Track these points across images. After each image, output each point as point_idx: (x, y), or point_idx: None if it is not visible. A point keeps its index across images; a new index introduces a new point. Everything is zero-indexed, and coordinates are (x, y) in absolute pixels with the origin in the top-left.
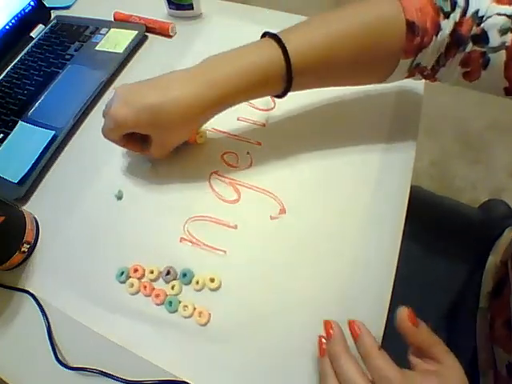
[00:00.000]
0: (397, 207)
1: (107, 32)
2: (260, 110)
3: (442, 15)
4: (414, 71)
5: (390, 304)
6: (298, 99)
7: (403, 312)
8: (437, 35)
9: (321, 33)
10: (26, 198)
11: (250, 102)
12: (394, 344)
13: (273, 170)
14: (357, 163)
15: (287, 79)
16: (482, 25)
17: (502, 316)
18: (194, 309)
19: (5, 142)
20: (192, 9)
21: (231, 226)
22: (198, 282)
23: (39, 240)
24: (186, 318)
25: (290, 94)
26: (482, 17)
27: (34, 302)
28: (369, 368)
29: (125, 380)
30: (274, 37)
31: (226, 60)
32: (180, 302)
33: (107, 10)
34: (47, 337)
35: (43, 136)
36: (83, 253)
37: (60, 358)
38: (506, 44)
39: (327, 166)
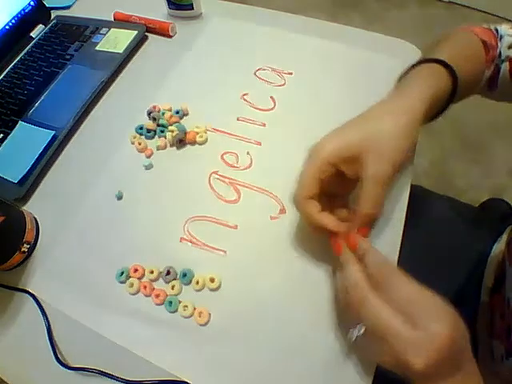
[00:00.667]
0: (397, 207)
1: (107, 32)
2: (260, 109)
3: (497, 37)
4: (486, 83)
5: None
6: (298, 99)
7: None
8: (497, 50)
9: (456, 51)
10: (26, 198)
11: (250, 101)
12: None
13: (273, 170)
14: None
15: (451, 94)
16: (499, 43)
17: (500, 309)
18: (194, 309)
19: (5, 142)
20: (192, 9)
21: (231, 226)
22: (198, 282)
23: (39, 240)
24: (185, 317)
25: (288, 93)
26: (500, 38)
27: (34, 302)
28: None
29: (125, 380)
30: (438, 61)
31: (410, 89)
32: (180, 302)
33: (107, 10)
34: (47, 337)
35: (43, 136)
36: (83, 253)
37: (60, 357)
38: (510, 56)
39: None
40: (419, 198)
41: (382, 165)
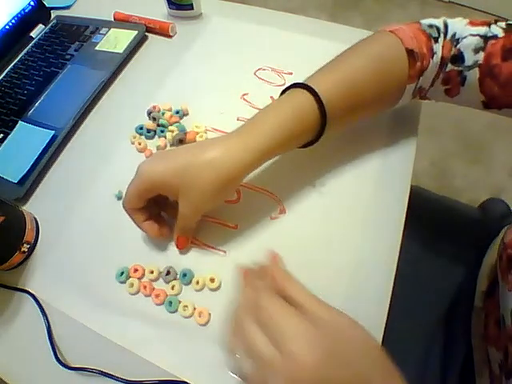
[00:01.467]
0: (397, 207)
1: (107, 32)
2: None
3: (432, 40)
4: (416, 94)
5: (390, 304)
6: None
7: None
8: (432, 58)
9: (344, 73)
10: (26, 197)
11: (250, 101)
12: (394, 344)
13: (273, 170)
14: (357, 163)
15: (321, 124)
16: (458, 46)
17: (494, 315)
18: (194, 309)
19: (5, 142)
20: (192, 9)
21: (231, 226)
22: (198, 282)
23: (39, 240)
24: (186, 317)
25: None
26: (458, 39)
27: (34, 302)
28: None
29: (125, 380)
30: (302, 86)
31: (261, 120)
32: (180, 302)
33: (107, 10)
34: (47, 337)
35: (43, 136)
36: (83, 253)
37: (60, 357)
38: (479, 62)
39: (327, 166)
40: (419, 198)
41: (190, 207)
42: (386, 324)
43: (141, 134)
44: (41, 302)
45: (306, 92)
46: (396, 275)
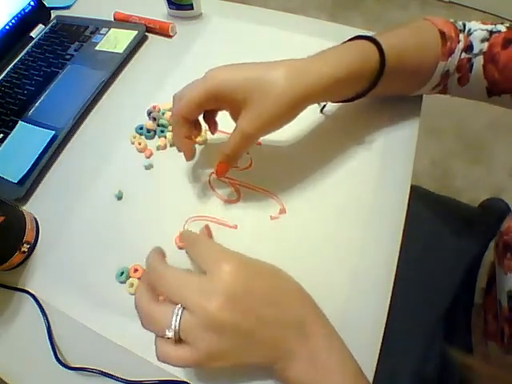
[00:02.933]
0: (397, 207)
1: (107, 32)
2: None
3: (458, 30)
4: (442, 80)
5: (391, 304)
6: None
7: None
8: (458, 43)
9: (397, 41)
10: (26, 197)
11: None
12: (394, 343)
13: (273, 170)
14: (357, 163)
15: (376, 77)
16: (470, 37)
17: (492, 310)
18: None
19: (5, 142)
20: (192, 9)
21: (231, 226)
22: None
23: (39, 240)
24: None
25: None
26: (472, 32)
27: (34, 302)
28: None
29: (125, 380)
30: (368, 38)
31: (328, 55)
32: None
33: (107, 10)
34: (47, 337)
35: (43, 136)
36: (83, 253)
37: (60, 357)
38: (483, 50)
39: (327, 166)
40: (419, 198)
41: (254, 122)
42: (386, 323)
43: (141, 134)
44: (41, 302)
45: (371, 44)
46: (396, 275)
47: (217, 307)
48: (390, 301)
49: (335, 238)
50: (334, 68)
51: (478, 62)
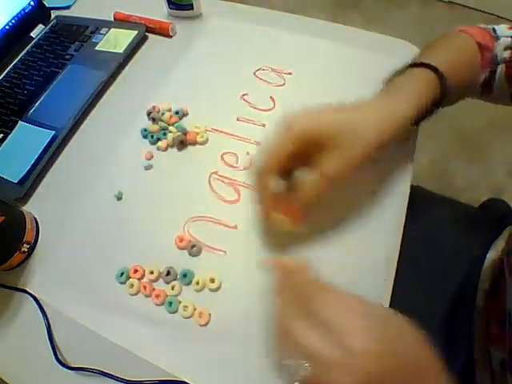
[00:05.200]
0: (397, 207)
1: (107, 32)
2: (260, 110)
3: (494, 39)
4: (483, 88)
5: (391, 304)
6: (298, 99)
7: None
8: (493, 52)
9: (451, 63)
10: (25, 197)
11: (250, 102)
12: None
13: None
14: None
15: (440, 99)
16: (495, 44)
17: (497, 315)
18: (194, 309)
19: (5, 142)
20: (192, 9)
21: (231, 227)
22: (198, 283)
23: (39, 240)
24: (186, 318)
25: (288, 93)
26: (498, 38)
27: (33, 302)
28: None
29: (125, 380)
30: (425, 65)
31: (406, 93)
32: (180, 303)
33: (107, 10)
34: (47, 337)
35: (43, 136)
36: (83, 253)
37: (60, 357)
38: (505, 58)
39: None
40: (419, 198)
41: (342, 162)
42: None
43: (145, 137)
44: (41, 302)
45: (432, 74)
46: (396, 275)
47: None
48: (390, 301)
49: (335, 238)
50: (416, 109)
51: (501, 69)
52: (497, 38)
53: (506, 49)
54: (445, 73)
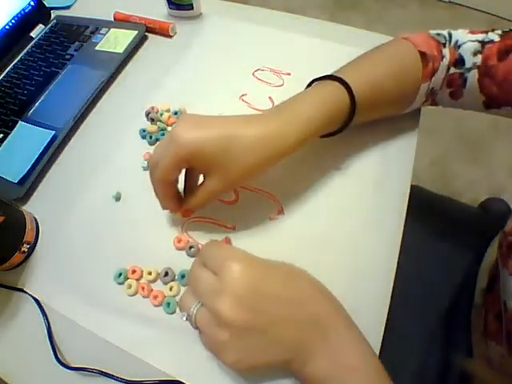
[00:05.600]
0: (397, 207)
1: (107, 32)
2: (258, 110)
3: (441, 45)
4: (428, 96)
5: (390, 304)
6: None
7: None
8: (442, 60)
9: (367, 73)
10: (25, 197)
11: (249, 102)
12: (394, 343)
13: (271, 171)
14: (357, 163)
15: (348, 115)
16: (459, 50)
17: (494, 310)
18: None
19: (5, 142)
20: (192, 9)
21: (229, 227)
22: None
23: (39, 240)
24: None
25: (287, 94)
26: (460, 44)
27: (33, 302)
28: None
29: (125, 380)
30: (333, 78)
31: (297, 102)
32: (178, 304)
33: (107, 10)
34: (47, 337)
35: (43, 136)
36: (82, 253)
37: (60, 357)
38: (477, 64)
39: (326, 167)
40: (419, 198)
41: (221, 183)
42: (386, 323)
43: (143, 137)
44: (41, 302)
45: (339, 85)
46: (396, 275)
47: (225, 307)
48: (390, 301)
49: (334, 238)
50: (306, 127)
51: (473, 76)
52: (453, 43)
53: (475, 54)
54: (362, 87)
